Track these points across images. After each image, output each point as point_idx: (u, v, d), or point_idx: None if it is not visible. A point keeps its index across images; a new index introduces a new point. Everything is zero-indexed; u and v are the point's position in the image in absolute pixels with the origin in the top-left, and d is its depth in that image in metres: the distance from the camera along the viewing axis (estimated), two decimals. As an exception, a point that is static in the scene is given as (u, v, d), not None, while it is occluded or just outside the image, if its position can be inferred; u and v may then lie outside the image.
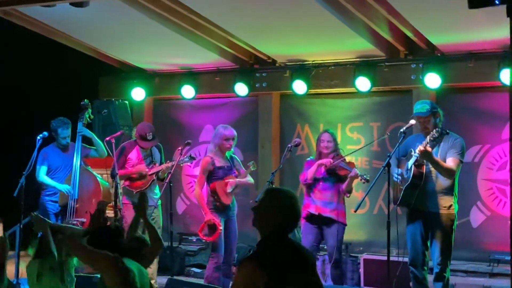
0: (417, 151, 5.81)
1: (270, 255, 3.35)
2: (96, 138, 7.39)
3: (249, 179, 7.05)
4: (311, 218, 6.77)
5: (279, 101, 9.12)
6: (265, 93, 9.00)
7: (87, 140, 7.40)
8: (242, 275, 3.26)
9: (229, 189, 6.78)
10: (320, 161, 6.72)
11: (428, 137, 5.83)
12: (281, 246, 3.44)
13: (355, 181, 6.78)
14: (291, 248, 3.49)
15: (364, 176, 6.54)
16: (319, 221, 6.73)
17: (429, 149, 5.77)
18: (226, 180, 6.82)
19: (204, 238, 6.90)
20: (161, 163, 7.25)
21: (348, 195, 6.78)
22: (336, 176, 6.73)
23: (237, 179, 6.90)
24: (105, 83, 9.79)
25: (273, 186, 6.68)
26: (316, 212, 6.71)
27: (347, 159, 6.95)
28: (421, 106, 6.08)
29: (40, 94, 9.14)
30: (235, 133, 6.94)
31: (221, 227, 6.74)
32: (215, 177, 6.83)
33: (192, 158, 7.20)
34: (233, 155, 7.07)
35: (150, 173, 7.16)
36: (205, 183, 6.88)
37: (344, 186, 6.71)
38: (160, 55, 8.82)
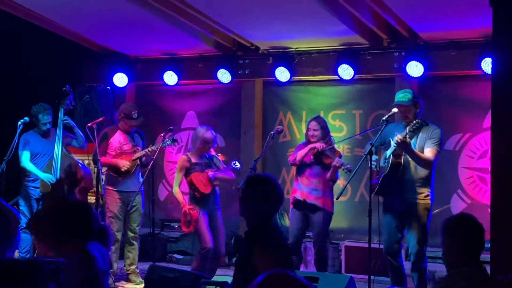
0: (395, 140, 5.82)
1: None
2: (78, 129, 7.32)
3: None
4: (297, 203, 6.78)
5: (262, 88, 9.11)
6: (248, 80, 8.99)
7: (67, 128, 7.34)
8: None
9: (210, 174, 6.74)
10: (313, 145, 6.71)
11: (407, 128, 5.83)
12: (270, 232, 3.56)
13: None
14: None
15: (347, 166, 6.56)
16: (304, 207, 6.74)
17: (408, 140, 5.78)
18: (207, 172, 6.78)
19: (185, 229, 6.90)
20: (142, 149, 7.23)
21: (332, 183, 6.80)
22: (322, 164, 6.74)
23: (216, 172, 6.86)
24: (88, 69, 9.72)
25: (255, 173, 6.68)
26: (302, 197, 6.72)
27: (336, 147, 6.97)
28: (403, 95, 6.08)
29: (21, 79, 9.04)
30: (214, 134, 6.90)
31: (197, 216, 6.70)
32: (192, 171, 6.79)
33: (174, 141, 7.18)
34: (212, 155, 7.01)
35: (133, 158, 7.14)
36: (183, 180, 6.85)
37: (328, 174, 6.72)
38: (142, 40, 8.76)
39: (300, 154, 6.73)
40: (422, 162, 5.93)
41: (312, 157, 6.71)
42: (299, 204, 6.76)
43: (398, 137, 5.75)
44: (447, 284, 3.55)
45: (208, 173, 6.76)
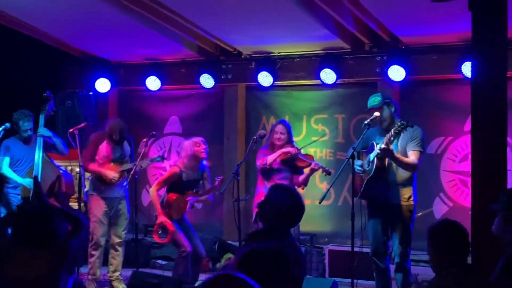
0: (378, 149, 5.85)
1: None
2: (55, 137, 7.26)
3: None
4: None
5: (245, 93, 9.12)
6: (230, 85, 8.99)
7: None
8: None
9: (188, 210, 6.80)
10: (285, 149, 6.67)
11: (390, 133, 5.85)
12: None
13: (318, 173, 6.79)
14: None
15: (326, 169, 6.56)
16: None
17: (390, 147, 5.81)
18: (186, 197, 6.77)
19: (159, 240, 6.88)
20: (130, 156, 7.22)
21: (304, 187, 6.78)
22: (292, 167, 6.73)
23: (197, 197, 6.86)
24: (70, 74, 9.67)
25: (237, 178, 6.68)
26: None
27: (306, 151, 6.95)
28: (372, 100, 6.13)
29: (1, 85, 8.98)
30: (202, 138, 6.90)
31: (173, 228, 6.68)
32: (175, 189, 6.77)
33: (163, 158, 7.19)
34: (206, 167, 7.01)
35: (121, 169, 7.10)
36: (164, 188, 6.84)
37: (302, 178, 6.70)
38: (125, 46, 8.74)
39: (271, 158, 6.66)
40: (407, 166, 5.97)
41: (278, 161, 6.69)
42: None
43: (381, 147, 5.78)
44: (435, 285, 3.56)
45: (189, 200, 6.76)
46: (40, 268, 3.25)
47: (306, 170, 6.74)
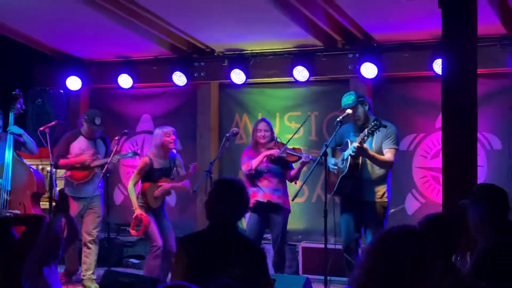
0: (351, 149, 5.88)
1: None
2: (26, 136, 7.18)
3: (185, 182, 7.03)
4: (259, 206, 6.67)
5: (218, 91, 9.09)
6: (203, 83, 8.96)
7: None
8: None
9: (157, 194, 6.76)
10: (268, 152, 6.65)
11: (363, 133, 5.88)
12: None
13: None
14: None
15: (314, 158, 6.53)
16: (267, 209, 6.66)
17: (365, 146, 5.84)
18: (159, 184, 6.75)
19: (135, 233, 6.86)
20: (105, 156, 7.17)
21: (296, 181, 6.78)
22: (282, 163, 6.72)
23: (172, 184, 6.85)
24: (40, 72, 9.56)
25: (211, 176, 6.66)
26: (265, 199, 6.63)
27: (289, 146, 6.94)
28: (347, 98, 6.16)
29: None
30: (173, 128, 6.90)
31: (148, 221, 6.68)
32: (149, 178, 6.77)
33: (136, 154, 7.17)
34: (177, 155, 7.01)
35: (93, 165, 7.06)
36: (139, 181, 6.83)
37: (293, 172, 6.69)
38: (96, 43, 8.66)
39: (255, 162, 6.63)
40: (383, 164, 6.00)
41: (266, 162, 6.67)
42: (262, 207, 6.66)
43: (355, 146, 5.80)
44: None
45: (157, 191, 6.74)
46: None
47: (296, 164, 6.73)
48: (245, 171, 6.71)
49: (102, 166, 7.08)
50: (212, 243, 3.56)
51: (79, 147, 7.14)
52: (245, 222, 6.93)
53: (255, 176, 6.70)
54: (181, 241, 3.72)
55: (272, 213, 6.67)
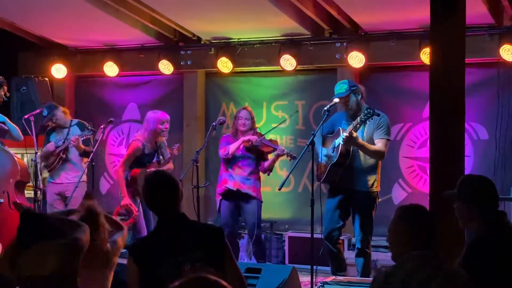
0: (341, 138, 5.86)
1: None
2: (9, 122, 7.10)
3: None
4: (228, 194, 6.72)
5: (204, 79, 9.03)
6: (190, 71, 8.90)
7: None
8: None
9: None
10: (247, 137, 6.67)
11: (356, 121, 5.85)
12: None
13: (280, 159, 6.80)
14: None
15: (291, 153, 6.56)
16: (237, 197, 6.71)
17: (354, 134, 5.82)
18: (148, 170, 6.72)
19: (121, 222, 6.81)
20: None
21: (269, 172, 6.79)
22: (257, 153, 6.72)
23: (159, 168, 6.82)
24: (24, 60, 9.46)
25: (197, 164, 6.64)
26: (235, 187, 6.68)
27: (268, 137, 6.94)
28: (339, 87, 6.14)
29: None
30: (168, 116, 6.87)
31: (138, 212, 6.67)
32: (139, 163, 6.74)
33: (91, 130, 7.00)
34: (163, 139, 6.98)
35: (57, 150, 7.02)
36: (128, 165, 6.80)
37: (267, 164, 6.72)
38: (81, 31, 8.57)
39: (233, 147, 6.66)
40: (374, 154, 6.00)
41: (242, 148, 6.67)
42: (232, 194, 6.70)
43: (345, 135, 5.79)
44: (396, 267, 3.51)
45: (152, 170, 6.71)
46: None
47: (271, 156, 6.73)
48: (222, 155, 6.75)
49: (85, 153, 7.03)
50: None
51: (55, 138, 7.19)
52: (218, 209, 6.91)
53: (230, 162, 6.70)
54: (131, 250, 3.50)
55: (242, 202, 6.70)
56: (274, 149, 6.63)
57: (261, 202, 6.78)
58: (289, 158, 6.60)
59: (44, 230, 2.35)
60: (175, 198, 3.49)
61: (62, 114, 7.20)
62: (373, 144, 6.01)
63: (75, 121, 7.30)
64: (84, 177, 7.11)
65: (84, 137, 6.96)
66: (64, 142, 7.04)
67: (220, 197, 6.79)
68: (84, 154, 7.03)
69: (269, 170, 6.76)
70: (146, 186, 3.55)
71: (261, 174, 6.84)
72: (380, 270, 6.72)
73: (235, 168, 6.72)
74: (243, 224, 7.20)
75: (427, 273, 2.91)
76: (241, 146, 6.66)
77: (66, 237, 2.35)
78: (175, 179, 3.55)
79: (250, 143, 6.64)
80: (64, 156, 7.07)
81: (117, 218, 6.71)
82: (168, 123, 6.84)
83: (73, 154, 7.10)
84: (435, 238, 3.25)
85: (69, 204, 7.01)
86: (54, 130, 7.22)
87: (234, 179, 6.70)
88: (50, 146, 7.09)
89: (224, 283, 1.93)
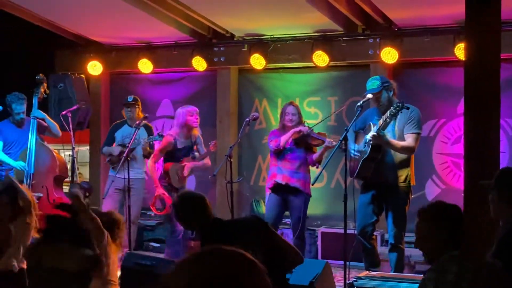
0: (369, 136, 5.87)
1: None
2: (48, 119, 7.24)
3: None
4: (278, 188, 6.73)
5: (237, 76, 9.09)
6: (223, 68, 8.96)
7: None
8: None
9: (187, 174, 6.83)
10: (298, 128, 6.68)
11: (385, 115, 5.85)
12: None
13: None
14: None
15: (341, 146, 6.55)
16: (285, 191, 6.71)
17: (381, 134, 5.82)
18: (183, 164, 6.80)
19: (157, 212, 6.93)
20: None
21: (318, 165, 6.80)
22: (305, 146, 6.73)
23: (194, 163, 6.91)
24: (61, 57, 9.61)
25: (230, 160, 6.69)
26: (283, 181, 6.68)
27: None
28: (371, 83, 6.14)
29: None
30: (196, 108, 6.98)
31: (171, 200, 6.76)
32: (172, 157, 6.84)
33: (161, 136, 7.22)
34: (197, 136, 7.08)
35: (124, 154, 7.15)
36: (161, 159, 6.91)
37: (315, 156, 6.72)
38: (116, 28, 8.69)
39: (284, 138, 6.67)
40: (403, 150, 5.99)
41: (291, 141, 6.70)
42: (280, 188, 6.72)
43: (371, 134, 5.79)
44: (438, 270, 3.49)
45: (185, 171, 6.80)
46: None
47: (318, 149, 6.74)
48: (273, 146, 6.73)
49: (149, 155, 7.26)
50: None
51: (122, 135, 7.34)
52: (264, 204, 6.98)
53: (279, 155, 6.72)
54: None
55: (291, 196, 6.70)
56: (323, 142, 6.64)
57: (310, 196, 6.77)
58: (340, 150, 6.58)
59: (71, 235, 2.46)
60: (204, 212, 3.74)
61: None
62: (404, 138, 6.00)
63: (143, 123, 7.39)
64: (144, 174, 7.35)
65: (152, 142, 7.15)
66: (129, 142, 7.16)
67: (269, 191, 6.80)
68: (148, 155, 7.21)
69: (317, 162, 6.76)
70: (176, 212, 3.85)
71: (310, 167, 6.86)
72: (413, 267, 6.71)
73: (283, 162, 6.72)
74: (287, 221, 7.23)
75: (470, 271, 2.94)
76: (290, 140, 6.68)
77: (90, 248, 2.45)
78: (198, 195, 3.84)
79: (301, 133, 6.66)
80: (129, 158, 7.23)
81: (156, 211, 6.89)
82: (197, 114, 6.94)
83: (138, 153, 7.34)
84: (463, 234, 3.29)
85: (131, 198, 7.16)
86: (120, 127, 7.39)
87: (283, 172, 6.72)
88: (116, 150, 7.34)
89: (241, 251, 1.63)
